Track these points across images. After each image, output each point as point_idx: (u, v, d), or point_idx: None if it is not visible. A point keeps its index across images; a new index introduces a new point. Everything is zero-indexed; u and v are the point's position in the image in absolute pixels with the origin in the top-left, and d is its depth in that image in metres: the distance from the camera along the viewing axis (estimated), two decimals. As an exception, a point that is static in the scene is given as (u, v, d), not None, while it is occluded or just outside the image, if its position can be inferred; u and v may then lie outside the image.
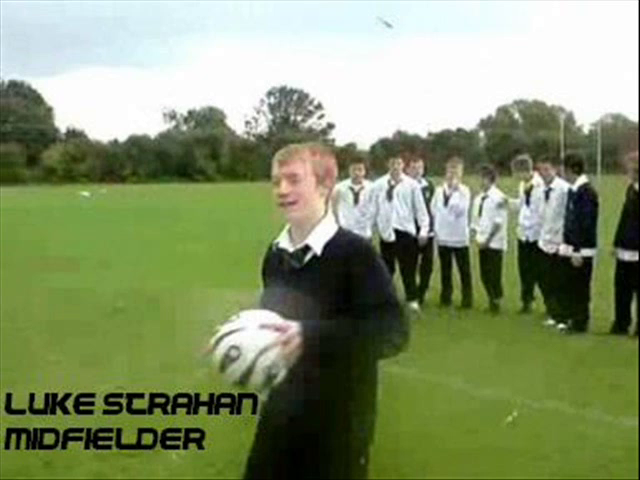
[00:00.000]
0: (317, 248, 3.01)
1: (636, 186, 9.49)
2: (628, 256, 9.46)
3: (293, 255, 3.07)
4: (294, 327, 2.72)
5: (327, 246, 3.00)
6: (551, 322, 10.10)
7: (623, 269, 9.56)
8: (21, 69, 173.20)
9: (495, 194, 11.26)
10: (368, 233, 11.69)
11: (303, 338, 2.71)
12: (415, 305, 11.36)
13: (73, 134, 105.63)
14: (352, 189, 11.74)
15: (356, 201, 11.72)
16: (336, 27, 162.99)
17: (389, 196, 11.49)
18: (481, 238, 11.22)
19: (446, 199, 11.58)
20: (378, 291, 2.90)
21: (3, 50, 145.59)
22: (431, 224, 11.62)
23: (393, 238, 11.43)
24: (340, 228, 3.09)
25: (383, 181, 11.69)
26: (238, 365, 2.68)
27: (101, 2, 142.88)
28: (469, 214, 11.68)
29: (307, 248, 3.03)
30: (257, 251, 3.79)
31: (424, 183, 12.03)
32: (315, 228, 3.04)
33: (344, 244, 2.99)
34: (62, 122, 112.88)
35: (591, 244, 9.57)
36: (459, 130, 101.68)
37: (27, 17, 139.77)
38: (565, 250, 9.70)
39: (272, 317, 2.78)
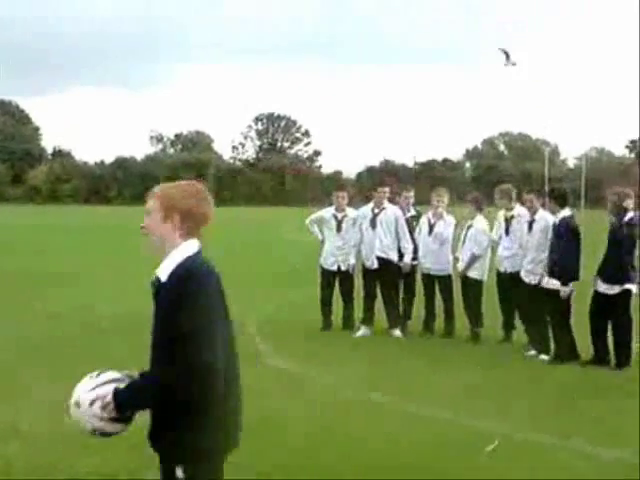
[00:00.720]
0: (163, 277, 3.32)
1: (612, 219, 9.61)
2: (602, 288, 9.53)
3: (154, 283, 3.38)
4: (109, 396, 3.26)
5: (170, 276, 3.30)
6: (533, 352, 10.13)
7: (598, 300, 9.61)
8: (9, 88, 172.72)
9: (480, 223, 11.23)
10: (352, 261, 11.75)
11: (115, 404, 3.25)
12: (398, 332, 11.38)
13: (59, 154, 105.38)
14: (335, 216, 11.83)
15: (339, 228, 11.79)
16: (325, 55, 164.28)
17: (373, 224, 11.53)
18: (461, 266, 11.24)
19: (431, 227, 11.59)
20: (170, 324, 3.20)
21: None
22: (415, 252, 11.65)
23: (376, 266, 11.49)
24: (187, 258, 3.32)
25: (367, 209, 11.75)
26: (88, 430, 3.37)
27: (91, 23, 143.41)
28: (453, 243, 11.72)
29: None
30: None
31: (412, 212, 12.09)
32: (166, 259, 3.36)
33: (176, 275, 3.27)
34: (49, 142, 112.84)
35: (573, 277, 9.61)
36: (445, 160, 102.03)
37: (14, 37, 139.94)
38: (547, 282, 9.74)
39: (93, 391, 3.32)
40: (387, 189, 11.73)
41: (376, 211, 11.58)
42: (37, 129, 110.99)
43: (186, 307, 3.15)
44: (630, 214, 9.50)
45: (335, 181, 73.07)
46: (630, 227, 9.41)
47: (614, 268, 9.43)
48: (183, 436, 3.24)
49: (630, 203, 9.53)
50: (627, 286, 9.41)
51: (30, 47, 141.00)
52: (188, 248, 3.35)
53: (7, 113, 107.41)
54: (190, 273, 3.25)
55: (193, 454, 3.25)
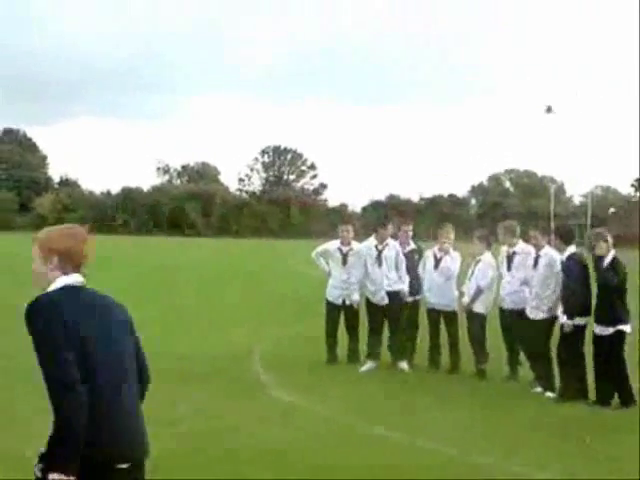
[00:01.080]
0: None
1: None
2: (597, 330, 9.48)
3: None
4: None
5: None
6: (539, 389, 10.06)
7: (596, 342, 9.57)
8: (16, 117, 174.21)
9: (488, 258, 11.23)
10: (355, 297, 11.73)
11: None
12: (405, 365, 11.34)
13: (66, 183, 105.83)
14: (340, 250, 11.86)
15: (344, 262, 11.81)
16: (331, 89, 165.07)
17: (379, 261, 11.52)
18: (466, 300, 11.21)
19: (437, 262, 11.59)
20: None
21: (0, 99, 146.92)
22: (416, 285, 11.68)
23: (386, 301, 11.48)
24: (46, 294, 3.63)
25: (370, 244, 11.75)
26: None
27: (99, 54, 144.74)
28: (459, 278, 11.71)
29: None
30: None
31: (412, 245, 12.10)
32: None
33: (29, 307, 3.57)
34: (56, 171, 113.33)
35: (582, 312, 9.58)
36: (451, 196, 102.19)
37: (22, 67, 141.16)
38: (561, 319, 9.73)
39: None
40: (391, 226, 11.78)
41: (380, 247, 11.59)
42: (44, 158, 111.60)
43: (33, 338, 3.50)
44: (611, 254, 9.44)
45: (340, 214, 73.17)
46: (614, 269, 9.39)
47: (606, 310, 9.41)
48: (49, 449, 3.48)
49: (602, 246, 9.47)
50: (620, 327, 9.37)
51: (37, 77, 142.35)
52: (56, 283, 3.67)
53: (14, 141, 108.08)
54: (35, 306, 3.55)
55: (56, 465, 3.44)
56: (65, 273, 3.67)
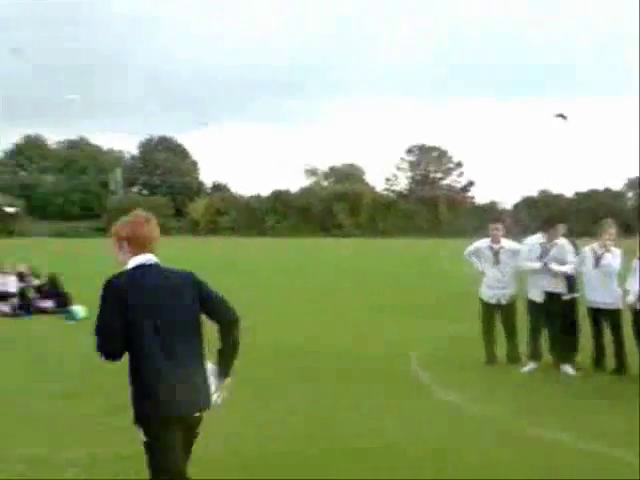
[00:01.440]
0: None
1: None
2: None
3: None
4: None
5: None
6: None
7: None
8: (168, 125, 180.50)
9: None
10: (511, 293, 11.54)
11: None
12: (569, 368, 10.98)
13: (217, 188, 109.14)
14: (491, 248, 11.72)
15: (496, 260, 11.67)
16: (474, 87, 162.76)
17: (541, 259, 11.22)
18: (631, 299, 10.76)
19: (597, 259, 11.20)
20: None
21: (152, 107, 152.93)
22: (573, 283, 11.37)
23: (543, 298, 11.19)
24: (115, 275, 4.34)
25: (535, 242, 11.46)
26: None
27: (247, 59, 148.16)
28: (620, 275, 11.27)
29: None
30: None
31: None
32: None
33: None
34: (207, 176, 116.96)
35: None
36: (606, 190, 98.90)
37: (176, 76, 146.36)
38: None
39: None
40: (562, 226, 11.48)
41: (548, 246, 11.30)
42: (195, 163, 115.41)
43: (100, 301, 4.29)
44: None
45: (491, 212, 72.05)
46: None
47: None
48: (133, 402, 4.30)
49: None
50: None
51: (188, 84, 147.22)
52: (129, 264, 4.44)
53: (168, 149, 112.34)
54: (106, 283, 4.30)
55: (137, 418, 4.26)
56: (135, 254, 4.44)
